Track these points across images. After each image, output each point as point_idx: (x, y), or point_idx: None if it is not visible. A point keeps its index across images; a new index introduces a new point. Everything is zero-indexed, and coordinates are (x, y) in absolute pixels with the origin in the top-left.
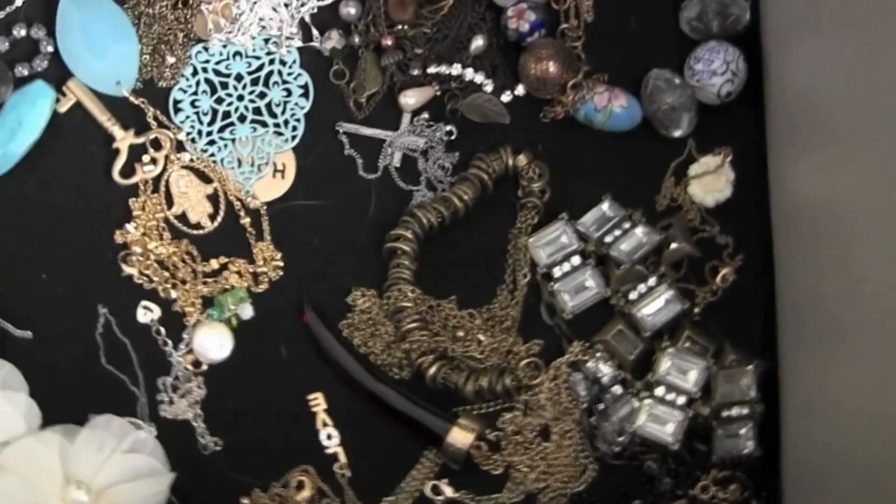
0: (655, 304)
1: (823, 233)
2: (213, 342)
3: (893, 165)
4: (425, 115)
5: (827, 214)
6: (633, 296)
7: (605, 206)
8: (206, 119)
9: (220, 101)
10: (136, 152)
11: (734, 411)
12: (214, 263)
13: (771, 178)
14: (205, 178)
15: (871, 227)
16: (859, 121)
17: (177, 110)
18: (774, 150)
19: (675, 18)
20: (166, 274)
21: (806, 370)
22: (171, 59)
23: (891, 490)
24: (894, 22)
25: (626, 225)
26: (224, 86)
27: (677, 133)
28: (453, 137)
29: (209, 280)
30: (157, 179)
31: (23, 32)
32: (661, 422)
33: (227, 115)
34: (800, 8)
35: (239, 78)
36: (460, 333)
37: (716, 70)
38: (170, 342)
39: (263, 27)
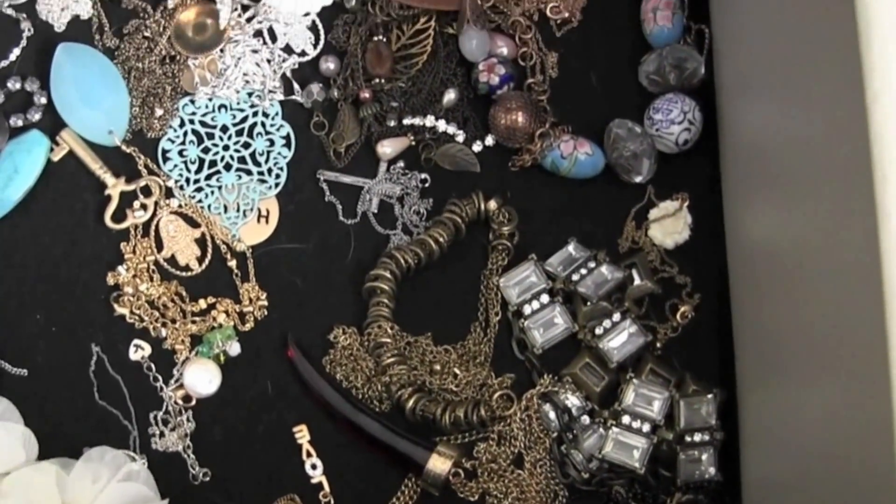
0: (620, 338)
1: (775, 272)
2: (202, 377)
3: (837, 209)
4: (401, 164)
5: (778, 254)
6: (598, 331)
7: (570, 247)
8: (194, 167)
9: (206, 150)
10: (126, 199)
11: (696, 437)
12: (202, 303)
13: (726, 221)
14: (193, 223)
15: (818, 265)
16: (806, 167)
17: (165, 159)
18: (729, 194)
19: (635, 73)
20: (157, 313)
21: (762, 400)
22: (159, 111)
23: None
24: (835, 78)
25: (592, 264)
26: (210, 136)
27: (638, 179)
28: (427, 185)
29: (198, 319)
30: (147, 224)
31: (18, 85)
32: (627, 448)
33: (213, 163)
34: (750, 63)
35: (224, 129)
36: (437, 368)
37: (674, 119)
38: (160, 378)
39: (247, 81)
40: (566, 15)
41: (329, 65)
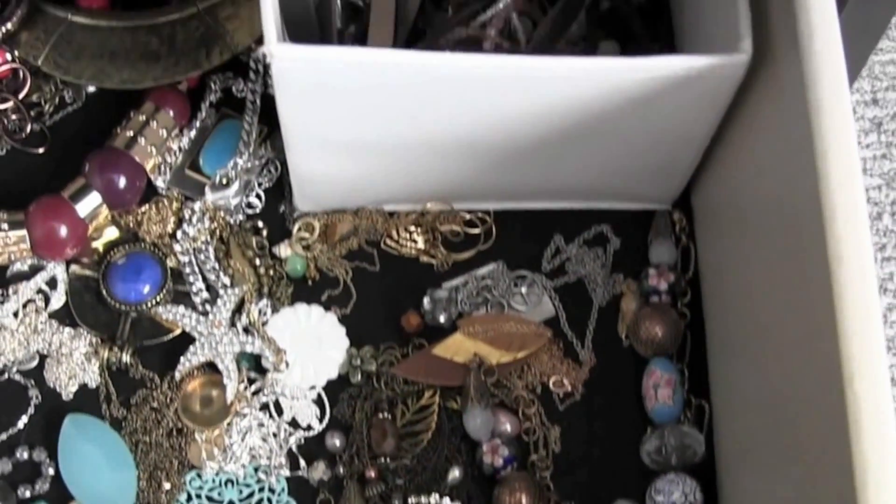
0: None
1: None
2: None
3: None
4: None
5: None
6: None
7: None
8: None
9: None
10: None
11: None
12: None
13: None
14: None
15: None
16: None
17: None
18: None
19: (636, 449)
20: None
21: None
22: (167, 486)
23: None
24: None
25: None
26: None
27: None
28: None
29: None
30: None
31: (25, 455)
32: None
33: None
34: (748, 438)
35: None
36: None
37: (675, 501)
38: None
39: (253, 456)
40: (568, 388)
41: (335, 441)
